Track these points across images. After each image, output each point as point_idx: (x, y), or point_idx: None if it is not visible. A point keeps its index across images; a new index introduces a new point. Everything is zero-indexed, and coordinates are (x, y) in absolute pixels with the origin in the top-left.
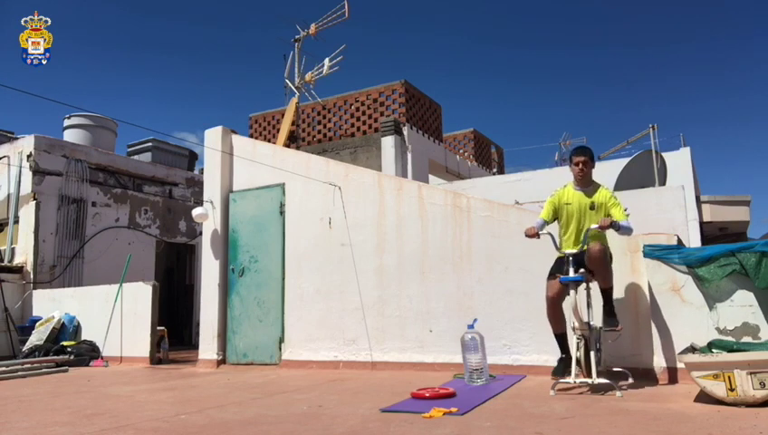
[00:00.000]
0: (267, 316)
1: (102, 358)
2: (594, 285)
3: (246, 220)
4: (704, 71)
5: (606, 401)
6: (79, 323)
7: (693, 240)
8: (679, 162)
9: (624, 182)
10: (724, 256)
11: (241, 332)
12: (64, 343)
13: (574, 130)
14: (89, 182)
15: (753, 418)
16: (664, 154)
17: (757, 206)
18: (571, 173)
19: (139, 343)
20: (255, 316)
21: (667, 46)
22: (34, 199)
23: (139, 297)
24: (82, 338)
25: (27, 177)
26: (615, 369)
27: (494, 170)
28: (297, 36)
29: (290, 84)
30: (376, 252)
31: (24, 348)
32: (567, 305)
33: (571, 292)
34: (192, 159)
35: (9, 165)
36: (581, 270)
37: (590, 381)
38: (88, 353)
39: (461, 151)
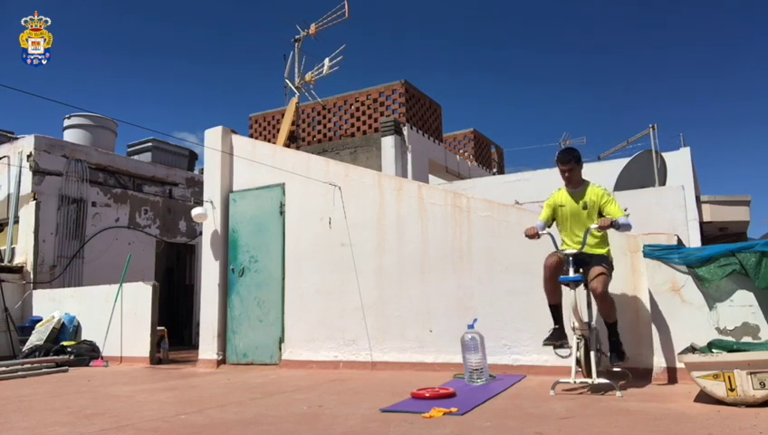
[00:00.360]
0: (267, 316)
1: (102, 358)
2: None
3: (246, 220)
4: (704, 72)
5: (606, 401)
6: (79, 323)
7: (693, 240)
8: (679, 162)
9: (624, 182)
10: (724, 256)
11: (241, 332)
12: (64, 343)
13: (574, 130)
14: (89, 182)
15: (753, 418)
16: (664, 154)
17: (757, 206)
18: None
19: (139, 343)
20: (255, 316)
21: (666, 47)
22: (34, 199)
23: (139, 297)
24: (82, 338)
25: (27, 177)
26: (615, 369)
27: (494, 170)
28: (297, 36)
29: (290, 84)
30: (376, 252)
31: (24, 348)
32: (567, 305)
33: (572, 292)
34: (192, 159)
35: (9, 165)
36: (581, 270)
37: (590, 381)
38: (88, 353)
39: (461, 151)
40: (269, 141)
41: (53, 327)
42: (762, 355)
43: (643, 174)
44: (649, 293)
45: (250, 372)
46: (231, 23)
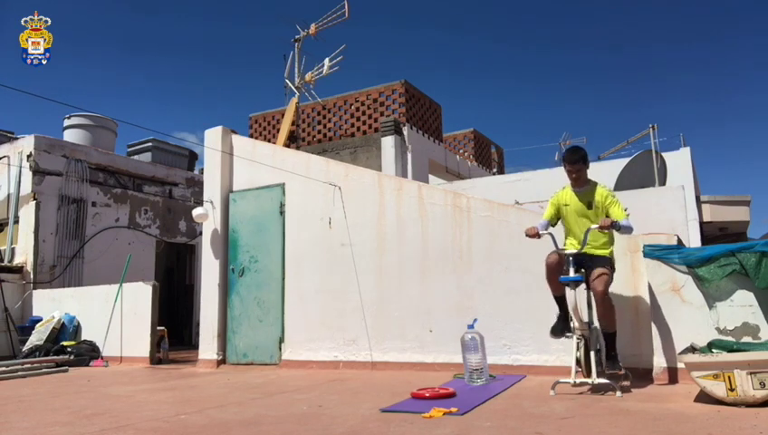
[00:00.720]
0: (267, 316)
1: (102, 358)
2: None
3: (246, 220)
4: (704, 70)
5: (606, 401)
6: (79, 323)
7: (693, 240)
8: (679, 162)
9: (624, 182)
10: (724, 256)
11: (241, 332)
12: (64, 343)
13: (574, 129)
14: (89, 182)
15: (753, 418)
16: (664, 154)
17: (757, 206)
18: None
19: (139, 343)
20: (255, 316)
21: (667, 46)
22: (34, 199)
23: (139, 297)
24: (82, 338)
25: (27, 177)
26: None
27: (494, 170)
28: (297, 36)
29: (290, 84)
30: (376, 252)
31: (24, 348)
32: (567, 305)
33: (572, 292)
34: (192, 159)
35: (9, 165)
36: (582, 270)
37: (590, 381)
38: (88, 353)
39: (461, 151)
40: (269, 141)
41: (53, 327)
42: (762, 355)
43: (643, 174)
44: (649, 293)
45: (250, 372)
46: (231, 23)
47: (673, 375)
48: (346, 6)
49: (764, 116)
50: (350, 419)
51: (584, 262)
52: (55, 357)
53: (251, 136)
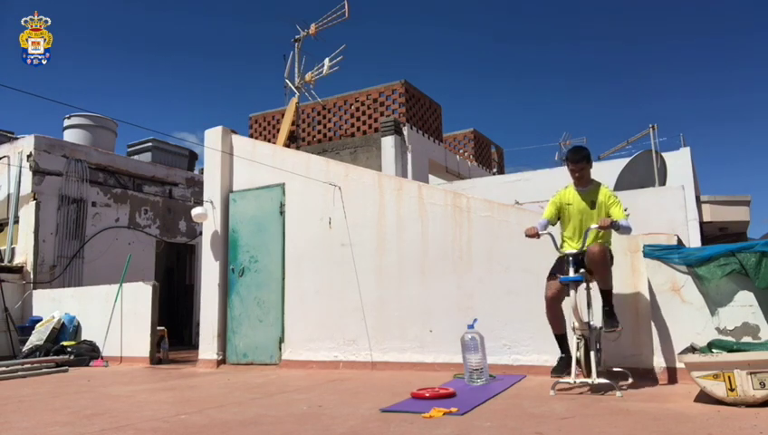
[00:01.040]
0: (267, 316)
1: (102, 358)
2: (594, 285)
3: (246, 220)
4: (704, 69)
5: (606, 401)
6: (79, 323)
7: (693, 240)
8: (679, 162)
9: (624, 182)
10: (724, 256)
11: (241, 332)
12: (64, 343)
13: (574, 129)
14: (89, 182)
15: (753, 418)
16: (664, 154)
17: (757, 206)
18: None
19: (139, 343)
20: (255, 316)
21: (667, 44)
22: (34, 199)
23: (139, 297)
24: (82, 338)
25: (27, 177)
26: (615, 369)
27: (494, 170)
28: (297, 36)
29: (290, 84)
30: (376, 252)
31: (24, 348)
32: (567, 305)
33: (571, 292)
34: (192, 159)
35: (9, 165)
36: (582, 270)
37: (590, 381)
38: (88, 353)
39: (461, 151)
40: (269, 141)
41: (53, 327)
42: (762, 355)
43: (643, 174)
44: (649, 293)
45: (250, 372)
46: (231, 22)
47: (673, 375)
48: (346, 6)
49: (765, 115)
50: (350, 419)
51: (583, 262)
52: (55, 357)
53: (251, 136)
